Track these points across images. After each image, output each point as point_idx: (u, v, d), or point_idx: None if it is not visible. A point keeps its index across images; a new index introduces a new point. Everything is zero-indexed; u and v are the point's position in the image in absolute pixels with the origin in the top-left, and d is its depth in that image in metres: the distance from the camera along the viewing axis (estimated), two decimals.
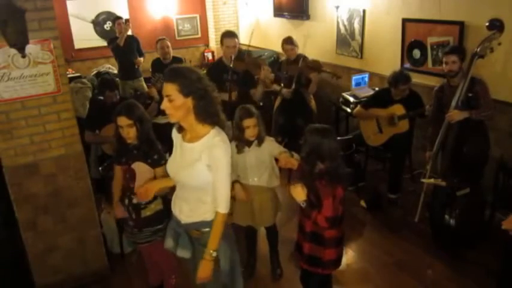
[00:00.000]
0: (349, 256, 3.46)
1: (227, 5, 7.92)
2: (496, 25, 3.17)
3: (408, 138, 4.17)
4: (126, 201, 2.62)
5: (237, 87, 3.99)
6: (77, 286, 3.24)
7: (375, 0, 4.87)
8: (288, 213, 3.79)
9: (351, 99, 4.91)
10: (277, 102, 5.01)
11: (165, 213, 2.54)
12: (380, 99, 4.13)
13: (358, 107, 4.35)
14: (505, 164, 3.43)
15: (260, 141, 2.85)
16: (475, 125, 3.28)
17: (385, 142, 4.12)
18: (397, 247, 3.52)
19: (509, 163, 3.43)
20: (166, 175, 2.33)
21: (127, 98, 4.52)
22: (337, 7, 5.41)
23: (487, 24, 3.21)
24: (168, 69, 1.93)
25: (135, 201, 2.56)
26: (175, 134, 2.15)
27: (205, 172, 1.99)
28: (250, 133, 2.79)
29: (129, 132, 2.50)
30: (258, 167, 2.89)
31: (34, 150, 2.97)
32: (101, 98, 4.06)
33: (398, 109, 3.96)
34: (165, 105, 1.90)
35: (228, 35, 4.10)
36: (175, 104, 1.88)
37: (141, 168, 2.53)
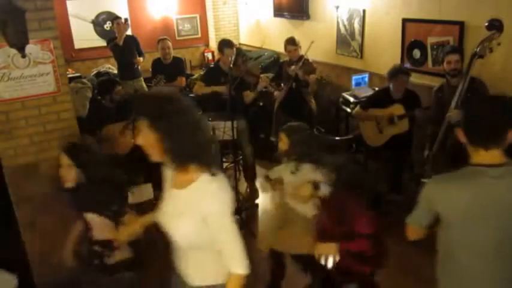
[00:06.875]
0: None
1: (227, 5, 7.91)
2: (495, 25, 3.17)
3: (408, 138, 4.17)
4: (86, 250, 2.35)
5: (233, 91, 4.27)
6: (76, 286, 3.24)
7: (375, 0, 4.87)
8: None
9: (351, 99, 4.91)
10: (277, 102, 5.02)
11: (133, 263, 2.29)
12: (379, 99, 4.12)
13: (357, 108, 4.34)
14: None
15: None
16: None
17: (386, 142, 4.12)
18: (397, 247, 3.51)
19: None
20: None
21: (127, 98, 4.53)
22: (337, 7, 5.40)
23: (486, 24, 3.21)
24: (136, 99, 1.64)
25: (96, 248, 2.28)
26: (167, 171, 1.75)
27: (192, 228, 1.59)
28: None
29: (67, 174, 2.18)
30: None
31: (34, 150, 2.97)
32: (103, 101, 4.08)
33: (397, 109, 3.96)
34: (139, 141, 1.57)
35: (229, 45, 4.43)
36: (148, 141, 1.55)
37: (96, 218, 2.21)
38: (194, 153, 1.55)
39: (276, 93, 4.90)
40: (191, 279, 1.74)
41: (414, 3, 4.38)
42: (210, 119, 4.14)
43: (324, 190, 2.38)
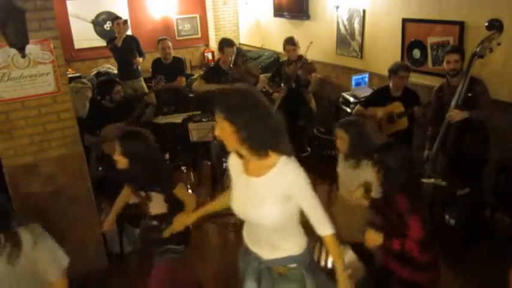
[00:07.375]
0: (349, 256, 3.45)
1: (227, 5, 7.92)
2: (495, 25, 3.17)
3: (408, 137, 4.16)
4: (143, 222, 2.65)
5: None
6: (77, 286, 3.24)
7: (375, 0, 4.87)
8: None
9: (351, 99, 4.91)
10: (276, 103, 5.02)
11: (182, 237, 2.51)
12: (378, 97, 4.12)
13: (358, 106, 4.34)
14: (505, 164, 3.43)
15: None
16: (474, 125, 3.28)
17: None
18: None
19: (509, 163, 3.43)
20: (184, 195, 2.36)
21: (127, 98, 4.54)
22: (337, 7, 5.40)
23: (486, 24, 3.21)
24: (219, 94, 1.79)
25: (154, 223, 2.56)
26: (234, 162, 1.92)
27: (278, 208, 1.78)
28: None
29: (120, 161, 2.38)
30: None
31: (34, 150, 2.97)
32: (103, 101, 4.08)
33: (397, 107, 3.95)
34: (217, 132, 1.74)
35: (229, 44, 4.52)
36: (225, 132, 1.70)
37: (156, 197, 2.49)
38: (271, 141, 1.72)
39: (275, 94, 4.87)
40: (265, 254, 1.93)
41: (414, 3, 4.38)
42: (210, 118, 4.14)
43: (376, 193, 2.39)
